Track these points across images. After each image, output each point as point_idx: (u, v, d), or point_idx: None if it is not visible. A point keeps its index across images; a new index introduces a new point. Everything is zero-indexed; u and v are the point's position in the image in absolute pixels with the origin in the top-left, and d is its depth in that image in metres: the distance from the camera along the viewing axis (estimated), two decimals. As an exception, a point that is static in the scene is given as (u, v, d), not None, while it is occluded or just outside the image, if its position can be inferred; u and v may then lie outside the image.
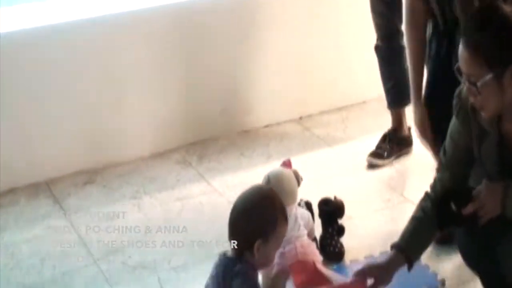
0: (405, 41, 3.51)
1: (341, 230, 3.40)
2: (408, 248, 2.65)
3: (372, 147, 4.12)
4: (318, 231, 3.36)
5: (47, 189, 4.06)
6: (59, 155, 4.15)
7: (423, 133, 3.36)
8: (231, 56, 4.43)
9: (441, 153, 2.69)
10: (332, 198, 3.42)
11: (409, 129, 4.18)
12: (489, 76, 2.34)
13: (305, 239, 3.12)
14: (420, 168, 3.95)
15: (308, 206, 3.37)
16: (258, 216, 2.50)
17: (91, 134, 4.21)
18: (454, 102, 2.57)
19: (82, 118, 4.17)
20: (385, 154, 4.09)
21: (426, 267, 3.20)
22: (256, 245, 2.47)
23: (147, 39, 4.22)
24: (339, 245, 3.37)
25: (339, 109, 4.67)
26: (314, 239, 3.29)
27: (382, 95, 4.18)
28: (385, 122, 4.19)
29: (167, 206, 3.85)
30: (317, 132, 4.48)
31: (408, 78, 4.07)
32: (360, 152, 4.14)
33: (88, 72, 4.13)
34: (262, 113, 4.56)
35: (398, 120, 4.16)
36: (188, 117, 4.40)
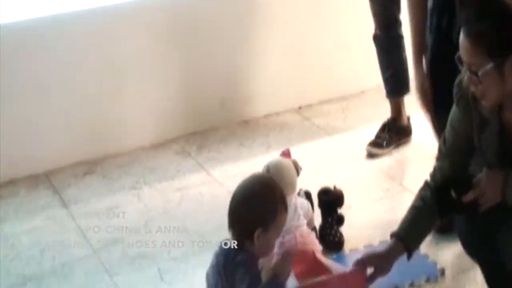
0: (406, 6, 3.48)
1: (340, 220, 3.40)
2: (407, 237, 2.65)
3: (371, 136, 4.12)
4: (317, 220, 3.37)
5: (46, 180, 4.06)
6: (58, 146, 4.15)
7: (423, 96, 3.35)
8: (231, 46, 4.43)
9: (441, 142, 2.69)
10: (332, 187, 3.42)
11: (408, 118, 4.18)
12: (490, 65, 2.34)
13: (305, 228, 3.12)
14: (419, 157, 3.96)
15: (308, 195, 3.37)
16: (259, 205, 2.49)
17: (91, 124, 4.21)
18: (455, 91, 2.57)
19: (82, 109, 4.17)
20: (384, 143, 4.08)
21: (426, 256, 3.20)
22: (256, 233, 2.46)
23: (148, 29, 4.21)
24: (338, 234, 3.37)
25: (339, 99, 4.67)
26: (314, 229, 3.29)
27: (381, 84, 4.18)
28: (385, 112, 4.19)
29: (167, 197, 3.86)
30: (317, 122, 4.48)
31: (406, 67, 4.08)
32: (359, 142, 4.14)
33: (88, 63, 4.13)
34: (262, 103, 4.55)
35: (397, 109, 4.16)
36: (188, 107, 4.39)
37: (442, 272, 3.13)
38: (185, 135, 4.38)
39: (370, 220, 3.54)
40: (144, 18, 4.19)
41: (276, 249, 2.80)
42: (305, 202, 3.24)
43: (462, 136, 2.60)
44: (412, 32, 3.40)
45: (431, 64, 3.29)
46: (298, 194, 3.27)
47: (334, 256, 3.27)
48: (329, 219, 3.38)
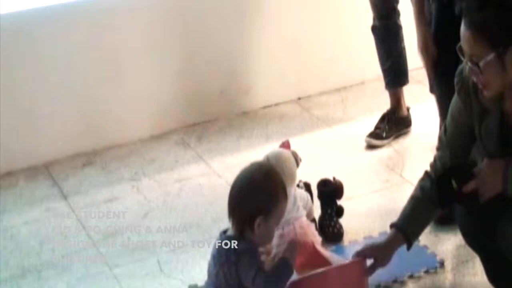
0: None
1: (340, 211, 3.40)
2: (407, 228, 2.65)
3: (371, 127, 4.11)
4: (317, 212, 3.37)
5: (46, 171, 4.06)
6: (57, 137, 4.15)
7: (424, 50, 3.34)
8: (230, 37, 4.42)
9: (442, 131, 2.69)
10: (331, 179, 3.42)
11: (408, 109, 4.18)
12: (491, 56, 2.35)
13: (304, 220, 3.12)
14: (418, 148, 3.95)
15: (307, 187, 3.36)
16: (260, 192, 2.48)
17: (90, 116, 4.20)
18: (456, 80, 2.57)
19: (81, 100, 4.17)
20: (384, 134, 4.08)
21: (425, 247, 3.20)
22: (257, 221, 2.46)
23: (146, 20, 4.20)
24: (338, 226, 3.36)
25: (338, 89, 4.66)
26: (313, 220, 3.29)
27: (381, 75, 4.17)
28: (384, 103, 4.18)
29: (166, 188, 3.85)
30: (316, 112, 4.47)
31: (405, 58, 4.07)
32: (359, 133, 4.14)
33: (86, 54, 4.12)
34: (261, 94, 4.55)
35: (396, 100, 4.15)
36: (187, 99, 4.39)
37: (442, 263, 3.13)
38: (184, 126, 4.37)
39: (370, 211, 3.53)
40: (142, 9, 4.18)
41: (275, 241, 2.80)
42: (305, 194, 3.24)
43: (462, 125, 2.60)
44: None
45: (436, 33, 3.29)
46: (298, 185, 3.27)
47: (334, 247, 3.27)
48: (329, 211, 3.38)
